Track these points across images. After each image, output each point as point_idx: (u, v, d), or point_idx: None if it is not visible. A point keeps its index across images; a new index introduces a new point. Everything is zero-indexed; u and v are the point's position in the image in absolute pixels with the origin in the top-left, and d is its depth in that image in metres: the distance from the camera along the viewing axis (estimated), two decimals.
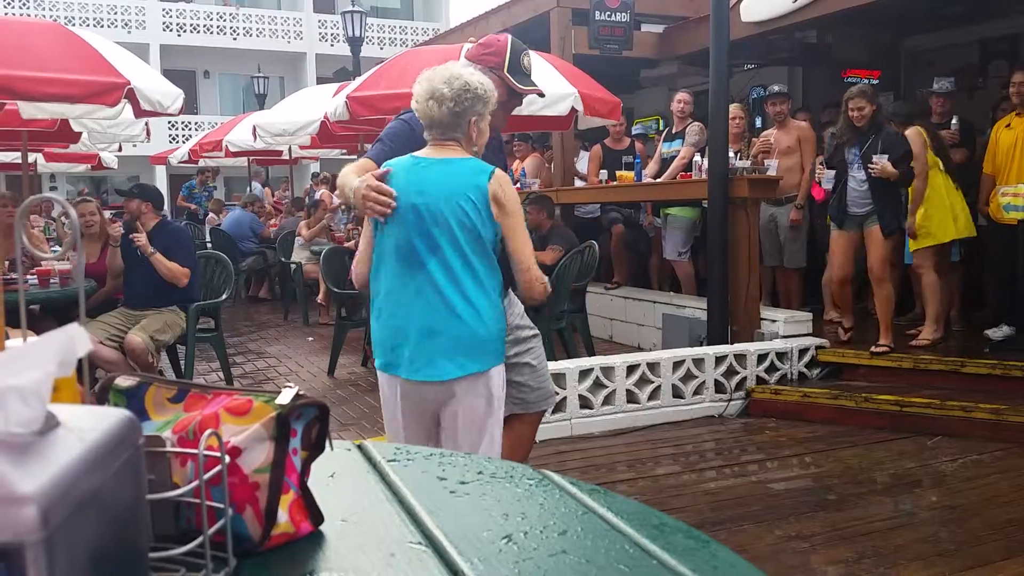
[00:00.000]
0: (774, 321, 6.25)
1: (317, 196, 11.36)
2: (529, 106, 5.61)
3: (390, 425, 2.71)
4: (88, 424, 0.64)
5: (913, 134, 5.80)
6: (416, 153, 2.57)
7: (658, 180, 7.39)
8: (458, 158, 2.54)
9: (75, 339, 0.65)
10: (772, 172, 6.45)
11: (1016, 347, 5.72)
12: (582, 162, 8.96)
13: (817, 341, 6.09)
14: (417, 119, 2.61)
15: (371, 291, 2.61)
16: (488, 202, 2.48)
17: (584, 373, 5.28)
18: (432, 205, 2.46)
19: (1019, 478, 4.29)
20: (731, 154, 6.27)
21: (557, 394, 4.45)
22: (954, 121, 6.56)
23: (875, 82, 10.01)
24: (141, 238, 5.39)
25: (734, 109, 6.85)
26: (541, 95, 3.09)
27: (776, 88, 7.19)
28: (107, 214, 8.47)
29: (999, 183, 5.88)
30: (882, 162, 5.43)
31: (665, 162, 7.41)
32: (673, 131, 7.58)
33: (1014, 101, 5.87)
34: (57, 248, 7.95)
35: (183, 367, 5.95)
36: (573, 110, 6.71)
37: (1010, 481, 4.26)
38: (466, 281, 2.48)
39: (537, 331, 3.06)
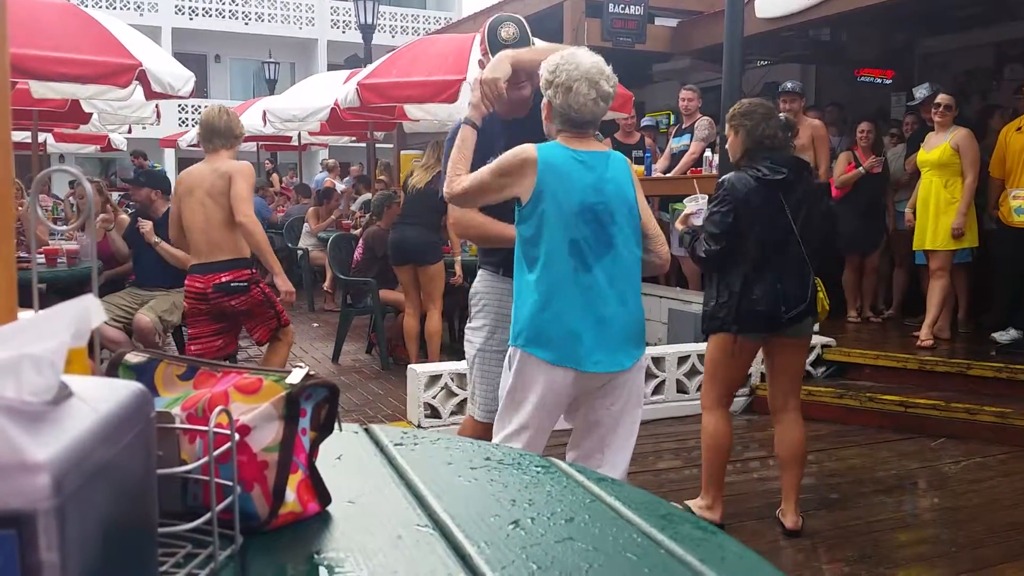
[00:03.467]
0: None
1: (323, 180, 11.35)
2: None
3: (537, 418, 2.53)
4: (101, 395, 0.64)
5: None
6: (564, 144, 2.49)
7: (668, 175, 7.37)
8: (609, 151, 2.56)
9: (89, 310, 0.65)
10: None
11: (1022, 350, 5.70)
12: None
13: (823, 339, 6.07)
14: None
15: (528, 281, 2.50)
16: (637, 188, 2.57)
17: None
18: (610, 204, 2.46)
19: (1021, 482, 4.29)
20: None
21: None
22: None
23: (888, 82, 9.98)
24: (146, 225, 5.39)
25: None
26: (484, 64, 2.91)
27: (789, 86, 7.15)
28: (114, 196, 8.48)
29: (1009, 186, 5.87)
30: None
31: (675, 157, 7.40)
32: (683, 126, 7.56)
33: None
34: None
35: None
36: None
37: (1013, 485, 4.26)
38: (636, 271, 2.54)
39: None
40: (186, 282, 4.43)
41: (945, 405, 5.13)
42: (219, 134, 4.46)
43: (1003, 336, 5.99)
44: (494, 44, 2.83)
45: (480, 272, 2.98)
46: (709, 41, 8.65)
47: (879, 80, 10.03)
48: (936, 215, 6.00)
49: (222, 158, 4.40)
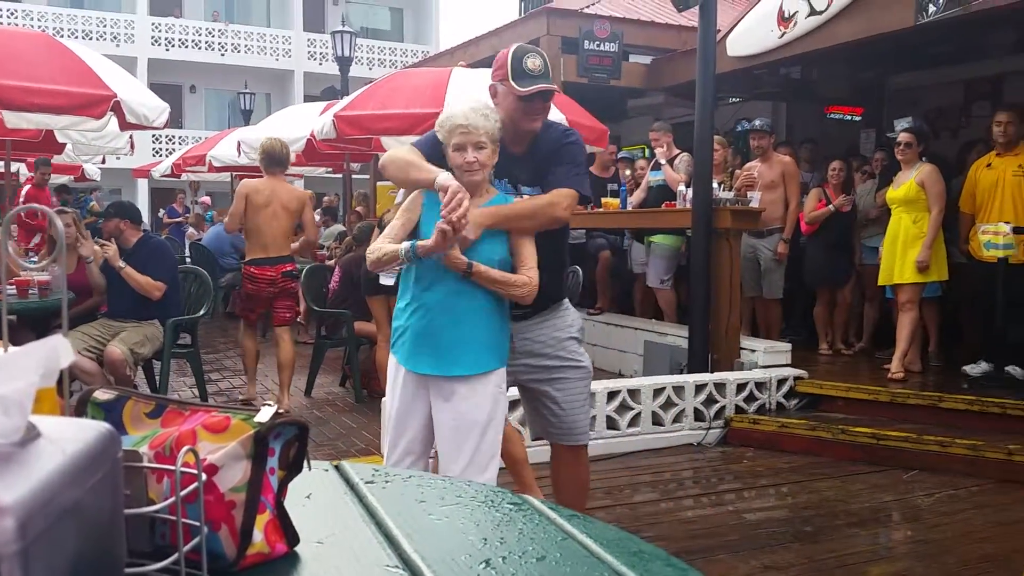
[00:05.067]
0: (754, 351, 6.28)
1: None
2: None
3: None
4: (69, 436, 0.64)
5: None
6: None
7: (644, 209, 7.43)
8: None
9: (58, 350, 0.64)
10: (755, 204, 6.51)
11: (994, 383, 5.77)
12: None
13: (796, 372, 6.12)
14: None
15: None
16: None
17: None
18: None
19: (994, 514, 4.32)
20: (715, 185, 6.32)
21: None
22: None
23: (857, 119, 10.15)
24: (110, 249, 5.37)
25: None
26: (550, 92, 2.93)
27: (758, 123, 7.28)
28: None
29: (979, 221, 5.97)
30: None
31: (651, 190, 7.45)
32: (660, 161, 7.63)
33: (998, 140, 5.98)
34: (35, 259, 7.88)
35: (158, 382, 5.90)
36: None
37: (985, 517, 4.28)
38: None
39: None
40: (253, 270, 5.96)
41: (917, 437, 5.17)
42: (279, 162, 6.06)
43: (974, 369, 6.06)
44: (519, 73, 2.83)
45: None
46: (682, 78, 8.77)
47: (849, 117, 10.19)
48: (904, 249, 6.10)
49: (281, 179, 6.12)
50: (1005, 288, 5.74)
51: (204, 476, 0.89)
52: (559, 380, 3.03)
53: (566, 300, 3.18)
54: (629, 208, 7.53)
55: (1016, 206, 5.82)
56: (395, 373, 2.85)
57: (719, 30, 7.15)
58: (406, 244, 2.64)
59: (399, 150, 2.84)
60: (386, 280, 4.09)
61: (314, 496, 1.17)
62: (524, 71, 2.83)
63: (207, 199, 15.94)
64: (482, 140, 2.66)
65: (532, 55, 2.88)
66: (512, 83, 2.81)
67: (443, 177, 2.62)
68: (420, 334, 2.73)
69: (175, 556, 0.85)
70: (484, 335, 2.74)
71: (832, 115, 10.13)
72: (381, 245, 2.73)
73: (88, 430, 0.67)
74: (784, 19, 7.70)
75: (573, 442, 3.14)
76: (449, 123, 2.68)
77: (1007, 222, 5.71)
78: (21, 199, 10.64)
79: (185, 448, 0.88)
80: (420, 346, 2.74)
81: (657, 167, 7.62)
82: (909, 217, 6.11)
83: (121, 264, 5.35)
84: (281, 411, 0.96)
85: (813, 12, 7.39)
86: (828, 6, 7.23)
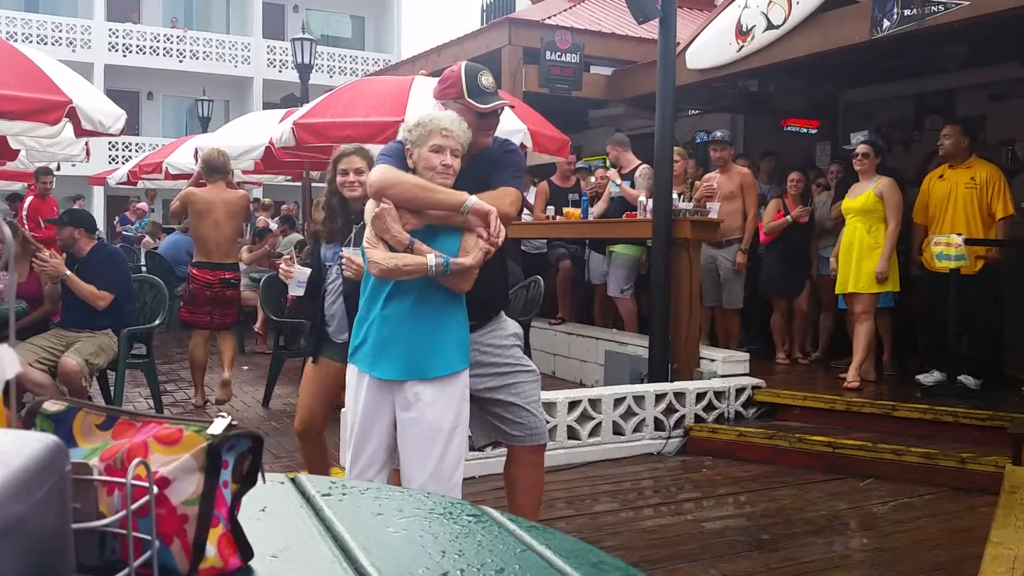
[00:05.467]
0: (712, 360, 6.33)
1: (257, 221, 11.24)
2: None
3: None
4: (12, 449, 0.62)
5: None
6: None
7: (607, 219, 7.47)
8: None
9: (4, 361, 0.63)
10: (714, 215, 6.58)
11: (946, 392, 5.87)
12: (532, 196, 9.03)
13: (754, 381, 6.18)
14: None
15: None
16: None
17: None
18: None
19: (948, 521, 4.38)
20: (674, 196, 6.38)
21: None
22: None
23: (813, 131, 10.31)
24: (54, 260, 5.27)
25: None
26: (506, 107, 3.05)
27: (719, 135, 7.37)
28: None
29: (932, 232, 6.09)
30: None
31: (614, 201, 7.49)
32: (622, 172, 7.68)
33: (942, 153, 6.12)
34: None
35: (112, 393, 5.79)
36: (522, 146, 6.76)
37: (940, 524, 4.35)
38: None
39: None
40: (195, 272, 6.30)
41: (872, 446, 5.24)
42: (217, 170, 6.31)
43: (927, 378, 6.17)
44: (475, 91, 2.91)
45: None
46: (642, 90, 8.84)
47: (805, 130, 10.34)
48: (859, 259, 6.20)
49: (222, 187, 6.33)
50: (957, 299, 5.85)
51: (156, 489, 0.88)
52: (515, 385, 3.08)
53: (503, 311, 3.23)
54: (591, 218, 7.57)
55: (967, 218, 5.95)
56: (356, 382, 2.83)
57: (679, 43, 7.23)
58: (436, 260, 2.62)
59: (391, 171, 2.76)
60: (296, 291, 4.03)
61: (269, 509, 1.16)
62: (480, 88, 2.92)
63: (143, 205, 15.69)
64: (457, 148, 2.73)
65: (484, 72, 2.97)
66: (470, 100, 2.89)
67: (473, 199, 2.66)
68: (386, 340, 2.72)
69: (126, 571, 0.83)
70: (451, 337, 2.77)
71: (789, 128, 10.28)
72: (397, 257, 2.66)
73: (34, 443, 0.65)
74: (742, 33, 7.81)
75: (538, 442, 3.21)
76: (432, 124, 2.71)
77: (959, 233, 5.82)
78: (24, 211, 10.46)
79: (136, 460, 0.86)
80: (386, 352, 2.73)
81: (620, 178, 7.67)
82: (864, 226, 6.22)
83: (66, 273, 5.26)
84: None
85: (770, 26, 7.50)
86: (785, 20, 7.34)
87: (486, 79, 2.95)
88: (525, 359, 3.20)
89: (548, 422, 5.32)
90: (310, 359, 3.91)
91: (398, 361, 2.72)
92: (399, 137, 2.87)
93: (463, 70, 2.94)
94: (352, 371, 2.85)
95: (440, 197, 2.69)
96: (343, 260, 3.42)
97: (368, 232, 2.74)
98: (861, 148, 6.37)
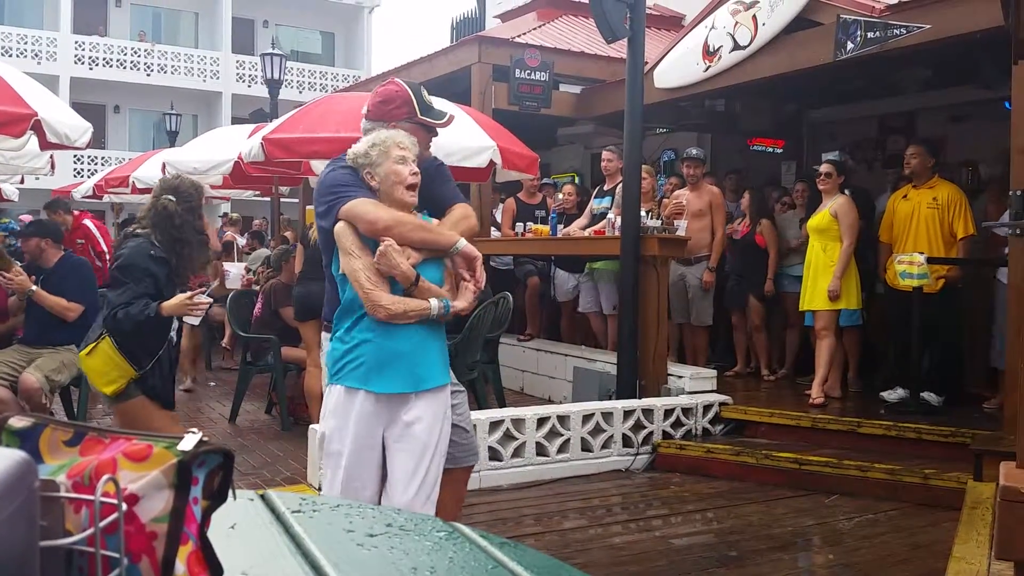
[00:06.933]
0: (680, 377, 6.37)
1: (225, 235, 11.15)
2: (448, 158, 5.65)
3: None
4: None
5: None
6: None
7: (580, 235, 7.49)
8: None
9: None
10: (681, 232, 6.63)
11: (910, 409, 5.94)
12: (499, 213, 9.06)
13: (721, 398, 6.22)
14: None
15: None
16: None
17: (495, 424, 5.26)
18: None
19: (912, 537, 4.43)
20: (642, 213, 6.42)
21: None
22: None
23: (779, 151, 10.44)
24: (19, 277, 5.19)
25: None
26: (449, 120, 3.16)
27: (694, 152, 7.47)
28: None
29: (896, 251, 6.18)
30: None
31: (595, 217, 7.51)
32: (604, 188, 7.70)
33: (905, 172, 6.23)
34: None
35: (76, 410, 5.70)
36: (492, 163, 6.78)
37: (903, 540, 4.40)
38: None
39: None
40: None
41: (837, 462, 5.29)
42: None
43: (891, 395, 6.25)
44: (425, 109, 3.02)
45: None
46: (611, 108, 8.91)
47: (771, 149, 10.47)
48: (815, 277, 6.33)
49: None
50: (919, 316, 5.94)
51: (124, 506, 0.87)
52: (455, 406, 3.05)
53: None
54: (573, 233, 7.58)
55: (930, 237, 6.05)
56: (346, 401, 2.77)
57: (647, 62, 7.30)
58: (438, 304, 2.72)
59: (388, 209, 2.76)
60: (192, 320, 4.02)
61: (239, 526, 1.15)
62: (428, 106, 3.04)
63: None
64: (415, 161, 2.81)
65: (423, 89, 3.09)
66: (425, 118, 2.99)
67: (463, 242, 2.80)
68: (387, 355, 2.72)
69: None
70: (439, 350, 2.85)
71: (755, 147, 10.40)
72: (403, 301, 2.70)
73: (2, 459, 0.65)
74: (709, 53, 7.90)
75: (474, 461, 3.22)
76: (389, 141, 2.76)
77: (921, 252, 5.92)
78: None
79: (105, 477, 0.85)
80: (387, 367, 2.72)
81: (602, 194, 7.68)
82: (820, 245, 6.33)
83: (32, 288, 5.17)
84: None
85: (737, 47, 7.60)
86: (751, 42, 7.45)
87: (427, 96, 3.07)
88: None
89: (517, 438, 5.33)
90: None
91: (400, 375, 2.73)
92: (348, 163, 2.85)
93: (411, 91, 3.02)
94: (335, 392, 2.80)
95: (436, 238, 2.79)
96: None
97: (362, 271, 2.70)
98: (824, 168, 6.47)
